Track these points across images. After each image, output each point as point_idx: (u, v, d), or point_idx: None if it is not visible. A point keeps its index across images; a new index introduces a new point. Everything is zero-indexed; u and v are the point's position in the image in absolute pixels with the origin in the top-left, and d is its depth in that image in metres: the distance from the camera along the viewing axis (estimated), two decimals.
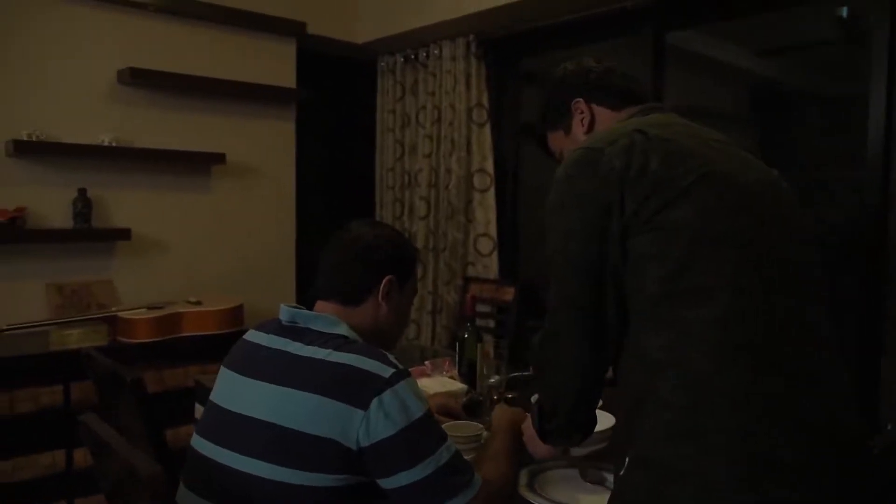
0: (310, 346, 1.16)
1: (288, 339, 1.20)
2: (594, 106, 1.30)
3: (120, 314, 2.67)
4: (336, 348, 1.15)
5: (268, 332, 1.25)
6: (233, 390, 1.20)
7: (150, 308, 2.76)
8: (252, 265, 3.37)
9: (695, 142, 1.09)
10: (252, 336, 1.28)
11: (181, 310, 2.76)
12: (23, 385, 2.36)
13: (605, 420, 1.50)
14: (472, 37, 3.30)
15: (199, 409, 2.17)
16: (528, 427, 1.28)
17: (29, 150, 2.69)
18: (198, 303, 2.87)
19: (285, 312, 1.26)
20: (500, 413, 1.48)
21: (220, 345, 2.76)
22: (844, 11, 2.35)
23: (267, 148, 3.43)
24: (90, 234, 2.84)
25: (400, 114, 3.71)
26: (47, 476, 2.39)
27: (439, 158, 3.48)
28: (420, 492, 1.09)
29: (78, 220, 2.79)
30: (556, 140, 1.38)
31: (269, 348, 1.21)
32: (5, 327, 2.46)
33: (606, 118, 1.29)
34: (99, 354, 1.79)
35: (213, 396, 1.24)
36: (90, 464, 2.43)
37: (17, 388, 2.35)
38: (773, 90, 2.76)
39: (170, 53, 3.07)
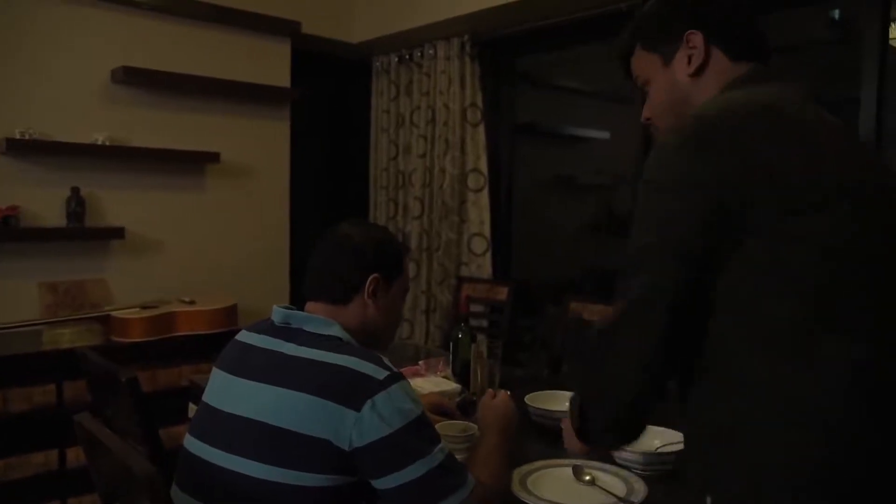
0: (303, 347, 1.17)
1: (281, 340, 1.21)
2: (713, 48, 1.05)
3: (113, 314, 2.67)
4: (330, 350, 1.16)
5: (260, 333, 1.26)
6: (225, 391, 1.21)
7: (143, 307, 2.75)
8: (246, 264, 3.37)
9: (831, 138, 0.93)
10: (244, 336, 1.29)
11: (175, 309, 2.76)
12: (16, 384, 2.36)
13: (671, 438, 1.49)
14: (466, 37, 3.31)
15: (192, 409, 2.16)
16: (567, 422, 1.17)
17: (22, 148, 2.69)
18: (192, 302, 2.87)
19: (278, 313, 1.26)
20: (488, 410, 1.48)
21: (214, 344, 2.76)
22: (836, 13, 2.37)
23: (261, 147, 3.43)
24: (83, 233, 2.83)
25: (394, 114, 3.71)
26: (40, 475, 2.39)
27: (433, 158, 3.49)
28: (412, 492, 1.10)
29: (71, 219, 2.79)
30: (645, 64, 1.12)
31: (262, 349, 1.22)
32: None
33: (721, 68, 1.05)
34: (93, 354, 1.79)
35: (205, 397, 1.25)
36: (83, 463, 2.43)
37: (10, 387, 2.35)
38: None
39: (164, 52, 3.07)
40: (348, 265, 1.30)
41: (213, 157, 3.15)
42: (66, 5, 2.82)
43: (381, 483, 1.10)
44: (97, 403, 1.89)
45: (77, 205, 2.79)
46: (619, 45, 1.18)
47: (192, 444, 1.21)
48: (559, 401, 1.82)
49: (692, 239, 0.86)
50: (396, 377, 1.14)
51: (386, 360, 1.17)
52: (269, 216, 3.47)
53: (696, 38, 1.05)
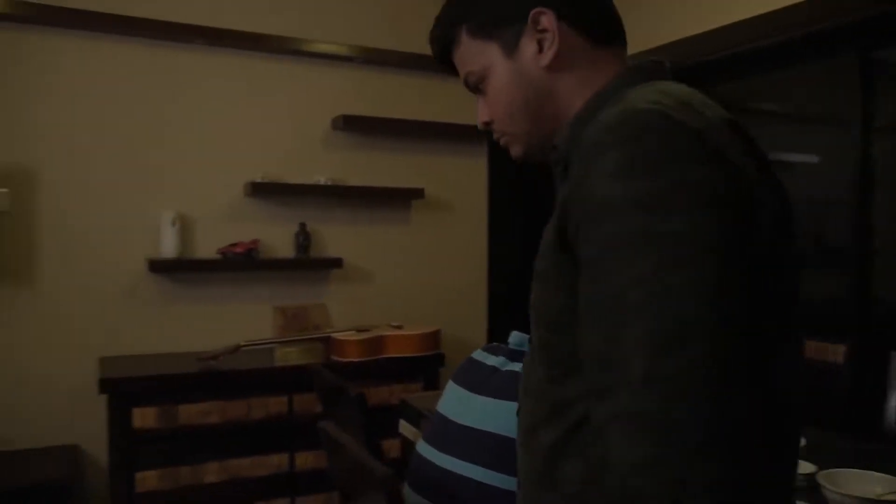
0: None
1: (515, 362, 1.37)
2: (566, 28, 0.85)
3: (333, 335, 2.99)
4: None
5: (496, 354, 1.43)
6: (461, 404, 1.37)
7: (358, 330, 3.05)
8: (447, 293, 3.60)
9: None
10: (479, 356, 1.47)
11: (385, 333, 3.03)
12: (256, 394, 2.72)
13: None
14: None
15: (402, 425, 2.38)
16: None
17: (261, 190, 3.11)
18: (399, 327, 3.13)
19: (515, 337, 1.43)
20: None
21: (420, 367, 3.01)
22: None
23: (461, 183, 3.66)
24: (309, 263, 3.21)
25: None
26: (274, 475, 2.73)
27: None
28: None
29: (299, 251, 3.18)
30: (477, 56, 0.90)
31: (496, 368, 1.39)
32: (243, 343, 2.85)
33: (583, 56, 0.86)
34: (325, 370, 2.04)
35: (440, 408, 1.43)
36: (310, 467, 2.74)
37: (252, 396, 2.72)
38: None
39: (375, 99, 3.41)
40: None
41: (418, 193, 3.42)
42: (293, 64, 3.24)
43: None
44: (327, 414, 2.15)
45: (304, 238, 3.17)
46: (436, 35, 0.94)
47: (424, 448, 1.38)
48: None
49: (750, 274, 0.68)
50: None
51: None
52: (469, 248, 3.69)
53: (546, 19, 0.84)
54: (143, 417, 2.53)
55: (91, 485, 2.84)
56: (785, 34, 2.83)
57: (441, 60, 0.97)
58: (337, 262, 3.24)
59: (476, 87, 0.92)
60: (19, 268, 2.76)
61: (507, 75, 0.87)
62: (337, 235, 3.35)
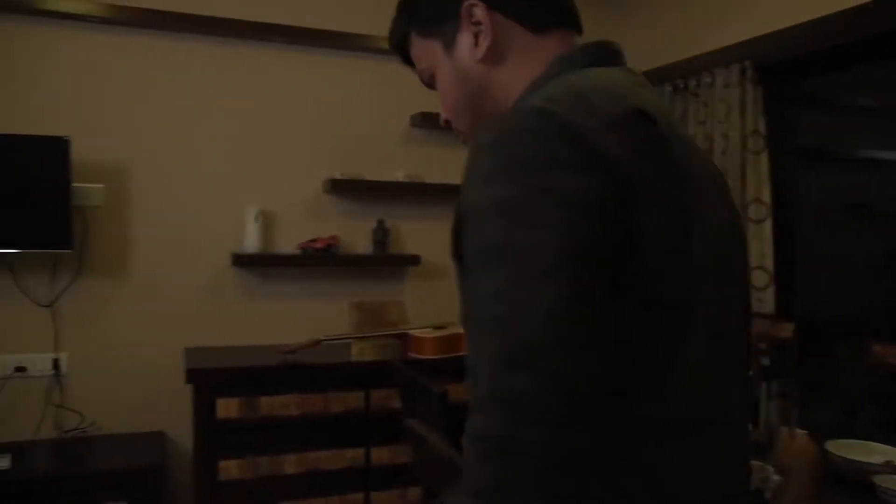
0: None
1: None
2: (499, 17, 0.83)
3: (410, 332, 3.00)
4: None
5: None
6: None
7: (435, 328, 3.05)
8: None
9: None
10: None
11: (461, 331, 3.02)
12: (334, 389, 2.76)
13: None
14: (746, 63, 3.19)
15: None
16: None
17: (340, 187, 3.15)
18: None
19: None
20: (789, 453, 1.44)
21: None
22: None
23: None
24: (387, 259, 3.23)
25: None
26: (350, 468, 2.76)
27: None
28: None
29: (377, 248, 3.20)
30: (424, 53, 0.91)
31: None
32: (323, 338, 2.90)
33: (525, 46, 0.84)
34: (405, 366, 2.05)
35: None
36: (384, 463, 2.76)
37: (330, 390, 2.75)
38: None
39: None
40: None
41: None
42: (372, 62, 3.26)
43: None
44: (406, 410, 2.15)
45: (382, 235, 3.20)
46: (392, 35, 0.96)
47: None
48: (866, 451, 1.69)
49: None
50: None
51: None
52: None
53: (478, 10, 0.83)
54: (227, 408, 2.60)
55: (175, 471, 2.94)
56: (880, 27, 2.67)
57: (404, 61, 0.99)
58: (414, 259, 3.25)
59: (430, 84, 0.94)
60: (113, 260, 2.88)
61: (448, 72, 0.88)
62: (415, 232, 3.36)
